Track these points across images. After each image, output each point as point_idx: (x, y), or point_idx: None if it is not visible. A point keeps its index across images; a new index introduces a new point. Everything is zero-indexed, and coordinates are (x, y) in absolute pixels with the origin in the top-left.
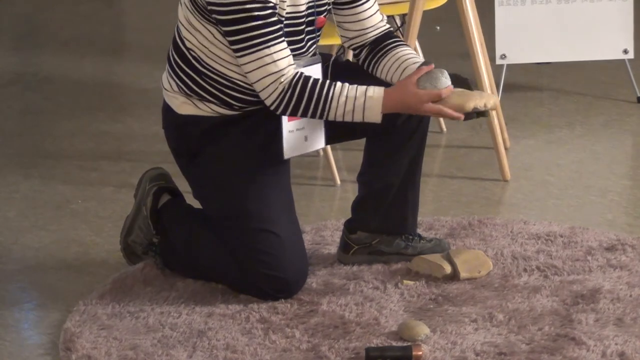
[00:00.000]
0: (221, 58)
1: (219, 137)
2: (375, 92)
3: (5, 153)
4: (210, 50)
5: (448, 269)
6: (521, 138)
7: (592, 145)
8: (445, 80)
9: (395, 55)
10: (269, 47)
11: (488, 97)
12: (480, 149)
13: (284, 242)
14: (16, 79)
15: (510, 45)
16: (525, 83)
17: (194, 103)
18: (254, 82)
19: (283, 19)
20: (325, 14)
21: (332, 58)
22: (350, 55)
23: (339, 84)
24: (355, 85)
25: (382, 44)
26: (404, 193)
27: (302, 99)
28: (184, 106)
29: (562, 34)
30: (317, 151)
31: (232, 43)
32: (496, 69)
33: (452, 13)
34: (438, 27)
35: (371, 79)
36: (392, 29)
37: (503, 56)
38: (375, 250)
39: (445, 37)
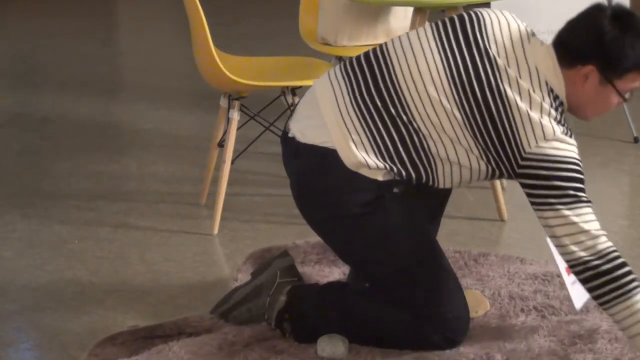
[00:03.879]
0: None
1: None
2: None
3: (2, 193)
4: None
5: None
6: None
7: (589, 185)
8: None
9: None
10: (583, 207)
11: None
12: (477, 189)
13: (457, 283)
14: (14, 119)
15: None
16: None
17: (394, 177)
18: (558, 237)
19: None
20: None
21: None
22: None
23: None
24: None
25: None
26: None
27: (604, 276)
28: (380, 175)
29: None
30: None
31: (538, 196)
32: None
33: None
34: None
35: None
36: None
37: None
38: None
39: None
